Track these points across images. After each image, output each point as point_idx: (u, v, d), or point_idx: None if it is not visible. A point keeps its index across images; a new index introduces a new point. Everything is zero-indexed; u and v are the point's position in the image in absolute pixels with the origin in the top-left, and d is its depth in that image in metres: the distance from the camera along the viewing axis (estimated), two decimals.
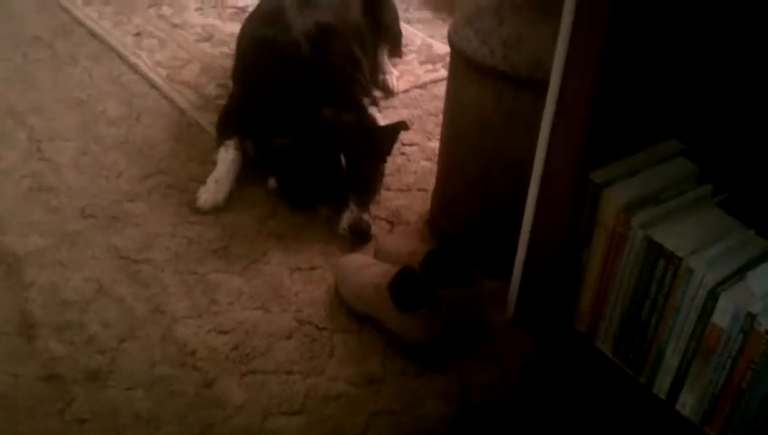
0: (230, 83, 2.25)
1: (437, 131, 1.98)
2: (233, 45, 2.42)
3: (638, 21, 1.18)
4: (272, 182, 1.90)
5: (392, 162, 2.03)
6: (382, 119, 2.12)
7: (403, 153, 2.10)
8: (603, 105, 1.23)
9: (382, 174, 1.95)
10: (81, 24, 2.71)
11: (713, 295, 1.16)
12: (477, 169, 1.61)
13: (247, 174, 1.95)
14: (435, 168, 1.85)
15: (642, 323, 1.30)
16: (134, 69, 2.46)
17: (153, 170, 1.99)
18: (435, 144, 2.05)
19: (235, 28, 2.48)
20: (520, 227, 1.44)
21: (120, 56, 2.53)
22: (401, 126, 1.94)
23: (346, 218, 1.76)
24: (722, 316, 1.15)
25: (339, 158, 1.78)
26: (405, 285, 1.46)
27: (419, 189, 1.96)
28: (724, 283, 1.16)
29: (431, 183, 1.89)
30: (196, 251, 1.74)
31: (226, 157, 1.94)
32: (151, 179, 1.96)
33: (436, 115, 2.22)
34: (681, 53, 1.28)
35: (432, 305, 1.43)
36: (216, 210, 1.85)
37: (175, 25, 2.75)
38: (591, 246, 1.34)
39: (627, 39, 1.18)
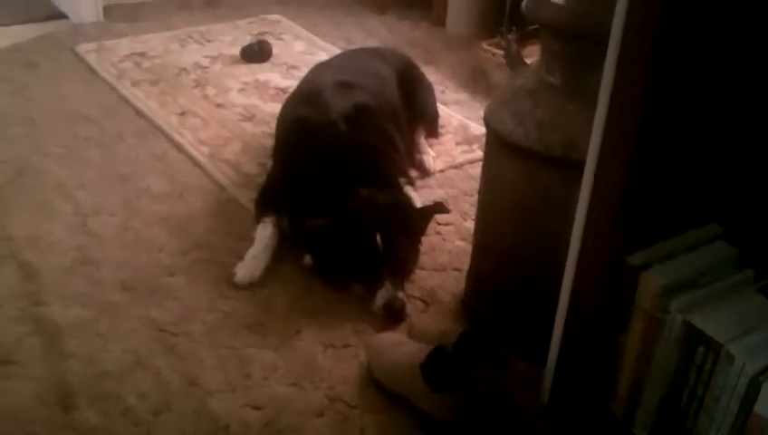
0: (269, 162, 2.27)
1: (473, 211, 1.99)
2: (273, 125, 2.46)
3: (675, 103, 1.18)
4: (307, 259, 1.91)
5: (427, 242, 2.03)
6: (418, 198, 2.13)
7: (438, 233, 2.11)
8: (639, 187, 1.23)
9: (417, 253, 1.95)
10: (128, 102, 2.78)
11: (755, 384, 1.13)
12: (511, 249, 1.61)
13: (283, 251, 1.96)
14: (469, 248, 1.86)
15: (681, 411, 1.26)
16: (178, 147, 2.51)
17: (193, 245, 2.00)
18: (470, 224, 2.07)
19: (275, 108, 2.53)
20: (554, 308, 1.41)
21: (165, 135, 2.58)
22: (438, 208, 1.96)
23: (380, 297, 1.76)
24: (765, 406, 1.12)
25: (374, 237, 1.79)
26: (437, 364, 1.44)
27: (454, 269, 1.96)
28: (766, 371, 1.13)
29: (466, 263, 1.88)
30: (232, 325, 1.74)
31: (264, 233, 1.96)
32: (191, 254, 1.97)
33: (472, 195, 2.23)
34: (719, 135, 1.27)
35: (464, 387, 1.41)
36: (252, 286, 1.85)
37: (218, 105, 2.82)
38: (629, 330, 1.32)
39: (663, 121, 1.18)
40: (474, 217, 1.83)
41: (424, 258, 1.99)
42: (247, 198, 2.19)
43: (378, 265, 1.78)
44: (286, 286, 1.88)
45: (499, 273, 1.67)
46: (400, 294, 1.78)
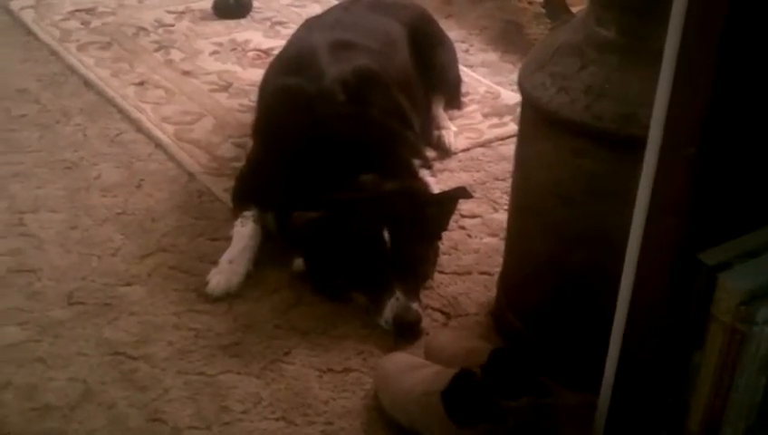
0: (250, 143, 2.28)
1: (505, 200, 2.05)
2: (254, 96, 2.48)
3: (758, 61, 1.16)
4: (297, 264, 1.91)
5: (448, 238, 2.03)
6: (436, 185, 2.13)
7: (462, 227, 2.11)
8: (715, 169, 1.21)
9: (436, 254, 1.96)
10: (74, 72, 2.80)
11: None
12: (553, 249, 1.61)
13: (268, 253, 1.97)
14: (501, 245, 1.87)
15: None
16: (136, 126, 2.53)
17: (155, 248, 2.02)
18: (501, 216, 2.07)
19: (257, 75, 2.55)
20: (609, 322, 1.39)
21: (120, 110, 2.60)
22: (460, 194, 1.95)
23: (390, 308, 1.77)
24: None
25: (381, 235, 1.79)
26: (462, 392, 1.44)
27: (482, 273, 1.98)
28: None
29: (497, 265, 1.90)
30: (205, 347, 1.75)
31: (243, 232, 1.96)
32: (152, 259, 1.99)
33: (504, 180, 2.25)
34: None
35: (495, 420, 1.40)
36: (230, 297, 1.86)
37: (185, 73, 2.84)
38: (703, 348, 1.30)
39: (742, 85, 1.16)
40: (506, 207, 1.83)
41: (444, 259, 2.00)
42: (222, 188, 2.21)
43: (385, 269, 1.79)
44: (272, 298, 1.89)
45: (538, 276, 1.67)
46: (414, 305, 1.78)
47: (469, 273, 1.98)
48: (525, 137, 1.64)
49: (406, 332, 1.78)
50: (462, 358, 1.57)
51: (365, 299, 1.83)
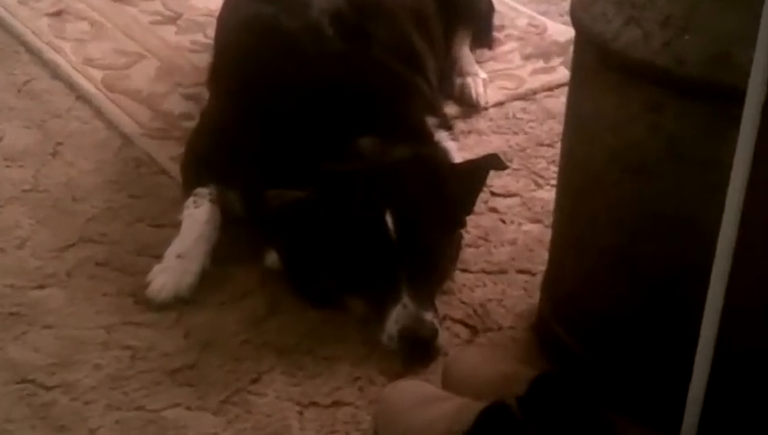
0: (206, 94, 2.30)
1: (552, 173, 2.05)
2: (212, 31, 2.47)
3: None
4: (272, 259, 1.92)
5: (475, 225, 2.03)
6: (459, 152, 2.11)
7: (494, 210, 2.11)
8: None
9: (458, 246, 1.95)
10: None
11: None
12: (619, 238, 1.60)
13: (232, 245, 1.97)
14: (547, 235, 1.86)
15: None
16: (52, 70, 2.51)
17: (77, 238, 2.02)
18: (547, 195, 2.08)
19: (215, 2, 2.53)
20: (691, 337, 1.38)
21: (30, 50, 2.59)
22: (491, 164, 1.94)
23: (395, 320, 1.76)
24: None
25: (384, 221, 1.79)
26: (494, 432, 1.42)
27: (520, 271, 1.98)
28: None
29: (540, 261, 1.91)
30: (145, 372, 1.74)
31: (197, 216, 1.96)
32: (73, 252, 1.98)
33: (551, 145, 2.25)
34: None
35: None
36: (180, 304, 1.86)
37: None
38: None
39: None
40: (553, 182, 1.83)
41: (469, 253, 1.99)
42: (168, 156, 2.22)
43: (390, 267, 1.78)
44: (238, 305, 1.88)
45: (600, 277, 1.66)
46: (429, 316, 1.78)
47: (503, 272, 1.98)
48: (581, 86, 1.63)
49: (417, 351, 1.77)
50: (493, 386, 1.55)
51: (363, 307, 1.83)
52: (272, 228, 1.89)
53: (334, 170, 1.84)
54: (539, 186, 2.19)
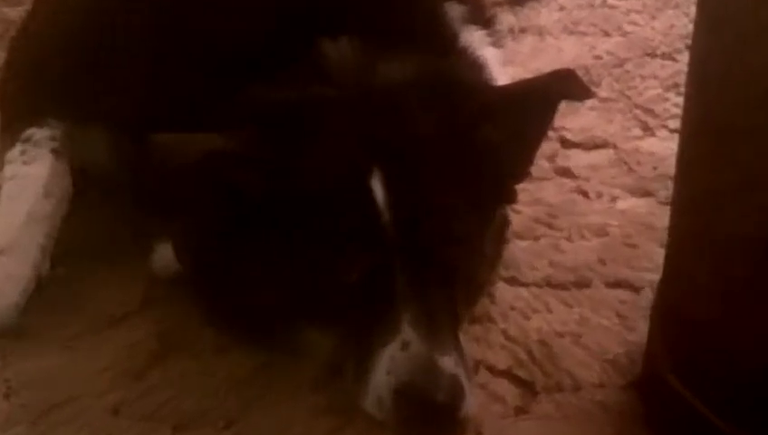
0: None
1: (672, 108, 1.80)
2: None
3: None
4: (162, 257, 1.59)
5: (532, 200, 1.74)
6: (504, 67, 1.79)
7: (566, 172, 1.83)
8: None
9: (501, 238, 1.58)
10: None
11: None
12: None
13: (89, 231, 1.67)
14: (662, 218, 1.60)
15: None
16: None
17: None
18: (661, 145, 1.83)
19: None
20: None
21: None
22: (564, 88, 1.52)
23: (388, 368, 1.37)
24: None
25: (367, 187, 1.39)
26: None
27: (612, 284, 1.63)
28: None
29: (649, 266, 1.61)
30: None
31: (30, 179, 1.66)
32: None
33: (670, 56, 2.06)
34: None
35: None
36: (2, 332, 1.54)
37: None
38: None
39: None
40: (672, 127, 1.74)
41: (521, 251, 1.70)
42: None
43: (378, 270, 1.41)
44: (97, 345, 1.53)
45: (757, 298, 1.32)
46: (447, 361, 1.38)
47: (583, 284, 1.65)
48: None
49: (426, 425, 1.38)
50: None
51: (328, 346, 1.45)
52: (166, 201, 1.50)
53: (279, 99, 1.43)
54: (647, 130, 1.85)
